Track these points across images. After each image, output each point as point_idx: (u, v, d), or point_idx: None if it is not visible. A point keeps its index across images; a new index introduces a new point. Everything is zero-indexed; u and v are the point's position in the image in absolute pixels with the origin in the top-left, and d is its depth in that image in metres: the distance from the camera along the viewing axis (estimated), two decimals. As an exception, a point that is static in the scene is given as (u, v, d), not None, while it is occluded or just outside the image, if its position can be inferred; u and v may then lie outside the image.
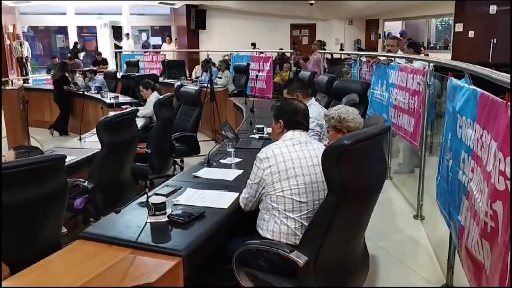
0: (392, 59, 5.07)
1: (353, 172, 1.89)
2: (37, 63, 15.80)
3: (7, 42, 13.30)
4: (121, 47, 14.43)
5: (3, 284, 1.67)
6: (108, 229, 2.07)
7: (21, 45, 13.66)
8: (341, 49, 13.52)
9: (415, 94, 4.13)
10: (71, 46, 15.29)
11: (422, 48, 6.51)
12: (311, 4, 13.46)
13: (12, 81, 9.27)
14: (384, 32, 13.90)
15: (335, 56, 10.70)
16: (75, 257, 1.87)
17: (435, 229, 3.53)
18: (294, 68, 8.72)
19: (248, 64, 8.61)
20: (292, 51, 10.06)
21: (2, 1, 12.77)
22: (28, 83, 11.61)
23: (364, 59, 6.19)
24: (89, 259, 1.83)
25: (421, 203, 4.03)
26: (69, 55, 12.72)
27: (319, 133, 3.59)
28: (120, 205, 3.54)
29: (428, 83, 3.88)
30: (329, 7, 13.68)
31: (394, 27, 13.43)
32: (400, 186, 4.82)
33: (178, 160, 5.53)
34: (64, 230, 2.58)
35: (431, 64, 3.91)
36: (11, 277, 1.73)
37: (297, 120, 2.37)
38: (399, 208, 4.32)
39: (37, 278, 1.68)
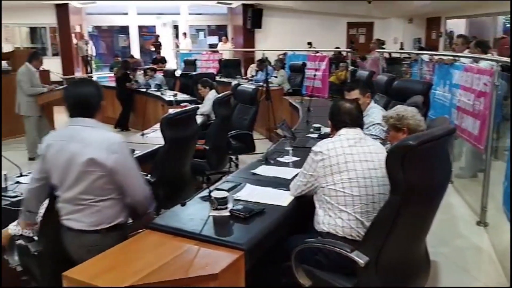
0: (456, 58, 4.89)
1: (418, 174, 1.85)
2: (100, 61, 16.59)
3: (74, 41, 14.07)
4: (178, 46, 14.86)
5: (78, 269, 1.78)
6: (173, 221, 2.17)
7: (86, 44, 14.40)
8: (401, 48, 13.13)
9: (481, 95, 3.96)
10: (132, 45, 15.96)
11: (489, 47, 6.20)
12: (369, 2, 13.18)
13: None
14: (446, 30, 13.35)
15: (393, 55, 10.42)
16: (143, 245, 1.97)
17: (500, 236, 3.37)
18: (351, 68, 8.58)
19: (304, 63, 8.59)
20: (349, 50, 9.91)
21: (70, 2, 13.52)
22: (92, 80, 12.21)
23: (425, 58, 5.99)
24: (156, 248, 1.93)
25: (485, 209, 3.86)
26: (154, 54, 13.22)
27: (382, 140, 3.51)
28: (180, 199, 3.68)
29: (496, 84, 3.71)
30: (388, 5, 13.33)
31: (457, 25, 12.86)
32: (462, 191, 4.64)
33: (233, 158, 5.62)
34: (129, 220, 2.72)
35: (499, 64, 3.74)
36: (84, 263, 1.84)
37: (340, 119, 2.43)
38: (461, 214, 4.16)
39: (110, 263, 1.80)
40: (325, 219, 2.27)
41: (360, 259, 1.95)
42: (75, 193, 2.10)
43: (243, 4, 14.43)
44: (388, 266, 1.99)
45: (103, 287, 1.61)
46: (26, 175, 3.13)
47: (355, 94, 3.44)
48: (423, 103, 4.06)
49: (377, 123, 3.27)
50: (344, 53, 11.64)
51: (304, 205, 2.46)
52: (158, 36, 15.71)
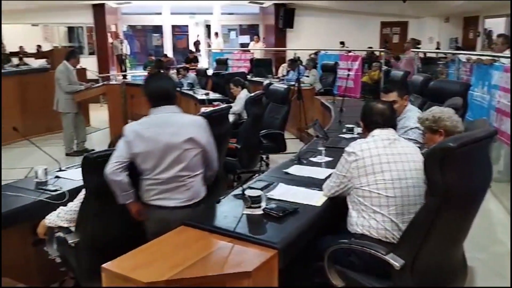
0: (496, 59, 4.74)
1: (457, 177, 1.81)
2: (134, 60, 16.93)
3: (109, 40, 14.42)
4: (210, 45, 15.01)
5: (116, 262, 1.83)
6: (208, 218, 2.20)
7: (121, 43, 14.72)
8: (437, 48, 12.81)
9: (522, 97, 3.83)
10: (165, 44, 16.22)
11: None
12: (404, 1, 12.93)
13: (116, 77, 10.10)
14: (485, 29, 12.95)
15: (428, 55, 10.20)
16: (179, 241, 2.01)
17: (540, 243, 3.25)
18: (384, 67, 8.45)
19: (336, 63, 8.52)
20: (383, 49, 9.76)
21: (107, 2, 13.86)
22: (126, 78, 12.49)
23: (463, 58, 5.84)
24: (191, 244, 1.96)
25: (524, 214, 3.73)
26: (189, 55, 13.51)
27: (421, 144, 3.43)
28: (212, 196, 3.73)
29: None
30: (424, 4, 13.04)
31: (496, 24, 12.45)
32: (500, 196, 4.49)
33: (264, 157, 5.63)
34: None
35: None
36: (122, 256, 1.88)
37: (372, 120, 2.40)
38: (499, 219, 4.03)
39: (148, 257, 1.84)
40: (359, 221, 2.25)
41: (396, 261, 1.92)
42: (174, 172, 2.35)
43: (275, 4, 14.42)
44: (424, 270, 1.95)
45: (140, 280, 1.65)
46: (64, 170, 3.24)
47: (392, 96, 3.34)
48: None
49: (416, 127, 3.19)
50: (377, 53, 11.48)
51: (337, 206, 2.44)
52: (198, 35, 15.92)
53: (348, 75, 7.80)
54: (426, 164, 1.84)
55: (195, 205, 2.43)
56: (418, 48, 8.81)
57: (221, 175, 4.00)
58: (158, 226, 2.28)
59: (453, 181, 1.79)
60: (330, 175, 2.79)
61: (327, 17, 14.37)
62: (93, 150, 4.05)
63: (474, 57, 5.29)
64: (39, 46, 12.81)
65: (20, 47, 11.69)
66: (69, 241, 2.45)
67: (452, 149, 1.76)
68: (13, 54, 10.34)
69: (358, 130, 3.92)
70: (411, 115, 3.35)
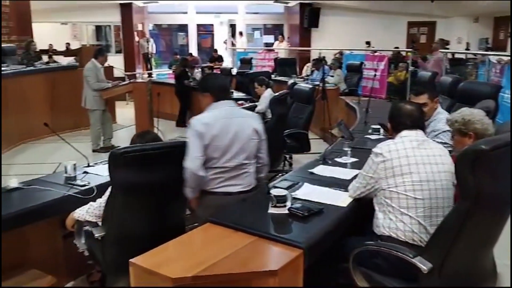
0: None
1: (490, 180, 1.77)
2: (160, 59, 17.11)
3: (136, 39, 14.63)
4: (234, 45, 15.06)
5: (144, 257, 1.85)
6: (233, 216, 2.20)
7: (147, 42, 14.92)
8: (467, 49, 12.54)
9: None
10: (190, 43, 16.35)
11: None
12: (432, 0, 12.70)
13: (142, 75, 10.24)
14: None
15: (456, 56, 9.99)
16: (205, 238, 2.02)
17: None
18: (411, 68, 8.31)
19: (362, 63, 8.43)
20: (410, 50, 9.60)
21: (134, 1, 14.07)
22: (151, 77, 12.66)
23: (493, 59, 5.70)
24: (217, 241, 1.97)
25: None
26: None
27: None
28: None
29: None
30: (452, 4, 12.78)
31: (528, 25, 12.10)
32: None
33: (287, 156, 5.62)
34: (188, 213, 2.79)
35: None
36: (149, 252, 1.91)
37: (401, 121, 2.37)
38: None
39: (174, 253, 1.86)
40: (385, 223, 2.22)
41: (423, 265, 1.89)
42: (239, 160, 2.58)
43: (300, 3, 14.38)
44: (453, 274, 1.92)
45: (167, 275, 1.67)
46: (92, 166, 3.30)
47: (423, 98, 3.26)
48: (491, 106, 3.87)
49: (447, 130, 3.12)
50: (403, 53, 11.31)
51: (363, 207, 2.42)
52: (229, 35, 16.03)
53: (375, 75, 7.71)
54: (457, 166, 1.81)
55: (252, 190, 2.66)
56: (447, 48, 8.64)
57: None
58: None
59: (484, 184, 1.75)
60: (356, 176, 2.77)
61: (353, 17, 14.24)
62: (119, 147, 4.12)
63: (505, 58, 5.15)
64: (68, 44, 13.08)
65: (50, 45, 11.95)
66: (95, 235, 2.50)
67: (485, 151, 1.72)
68: (43, 51, 10.59)
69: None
70: (442, 117, 3.27)
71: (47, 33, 12.59)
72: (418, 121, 2.39)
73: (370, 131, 4.10)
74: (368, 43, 12.94)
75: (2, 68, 6.94)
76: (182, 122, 8.70)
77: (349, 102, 6.38)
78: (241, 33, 15.72)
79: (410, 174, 2.18)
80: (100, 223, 2.55)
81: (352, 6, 14.00)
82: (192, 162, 2.49)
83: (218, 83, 2.72)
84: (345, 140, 3.52)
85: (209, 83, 2.72)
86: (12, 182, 2.83)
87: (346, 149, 3.27)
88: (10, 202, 2.67)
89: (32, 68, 7.44)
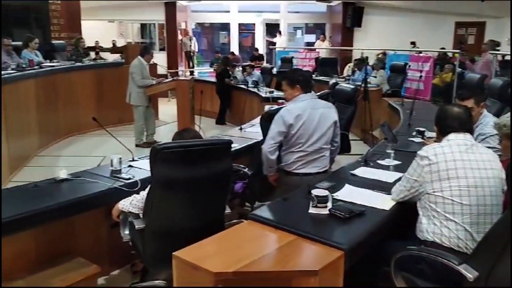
0: None
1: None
2: (201, 57, 17.35)
3: (179, 37, 14.90)
4: (274, 43, 15.03)
5: (186, 251, 1.89)
6: (274, 214, 2.21)
7: (190, 40, 15.15)
8: (519, 50, 11.96)
9: None
10: (231, 42, 16.49)
11: None
12: (482, 0, 12.22)
13: (184, 73, 10.42)
14: None
15: (506, 58, 9.55)
16: (245, 235, 2.04)
17: None
18: (458, 70, 8.03)
19: (406, 64, 8.22)
20: (457, 51, 9.28)
21: (178, 0, 14.34)
22: (193, 75, 12.85)
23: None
24: (257, 239, 1.99)
25: None
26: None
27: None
28: (274, 193, 3.75)
29: None
30: (504, 4, 12.23)
31: None
32: None
33: (327, 157, 5.56)
34: (228, 210, 2.82)
35: None
36: (191, 246, 1.94)
37: (448, 124, 2.31)
38: None
39: (216, 249, 1.89)
40: (430, 228, 2.17)
41: (469, 273, 1.83)
42: (320, 144, 3.02)
43: (344, 2, 14.20)
44: (500, 284, 1.84)
45: (209, 270, 1.69)
46: (137, 160, 3.39)
47: (469, 103, 3.13)
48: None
49: (495, 134, 3.00)
50: (450, 54, 10.95)
51: (405, 210, 2.37)
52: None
53: (420, 76, 7.50)
54: (508, 173, 1.74)
55: (326, 172, 3.11)
56: (497, 50, 8.29)
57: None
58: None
59: (538, 192, 1.68)
60: (399, 179, 2.72)
61: (397, 16, 13.91)
62: (161, 142, 4.21)
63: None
64: (114, 42, 13.50)
65: (96, 42, 12.37)
66: (136, 226, 2.58)
67: (539, 158, 1.64)
68: (90, 48, 10.98)
69: (430, 134, 3.77)
70: (488, 120, 3.16)
71: (94, 30, 13.02)
72: (467, 124, 2.31)
73: (414, 133, 4.00)
74: (413, 43, 12.60)
75: (53, 63, 7.25)
76: (222, 120, 8.80)
77: (392, 103, 6.24)
78: (279, 32, 15.68)
79: (457, 179, 2.12)
80: (141, 215, 2.63)
81: (397, 5, 13.68)
82: (268, 146, 3.01)
83: (306, 77, 3.16)
84: (388, 142, 3.45)
85: (299, 77, 3.10)
86: (61, 173, 2.95)
87: (389, 151, 3.22)
88: (60, 192, 2.79)
89: (80, 64, 7.72)
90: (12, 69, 6.03)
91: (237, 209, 3.87)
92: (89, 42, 11.57)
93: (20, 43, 7.24)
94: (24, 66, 6.39)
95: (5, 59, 6.48)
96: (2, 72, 5.62)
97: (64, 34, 10.64)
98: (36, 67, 6.60)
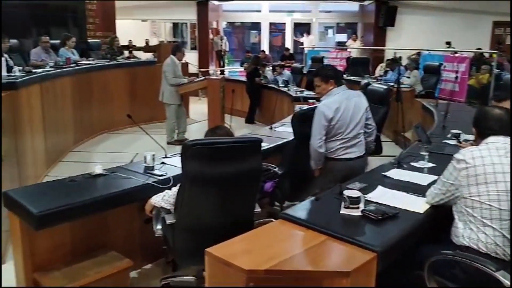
0: None
1: None
2: (231, 56, 17.45)
3: (210, 36, 15.04)
4: (301, 43, 14.96)
5: (219, 248, 1.91)
6: (305, 214, 2.21)
7: (221, 39, 15.27)
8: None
9: None
10: (262, 41, 16.52)
11: None
12: (523, -2, 11.78)
13: (215, 72, 10.51)
14: None
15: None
16: (277, 234, 2.05)
17: None
18: (496, 71, 7.79)
19: (440, 64, 8.04)
20: (495, 51, 9.00)
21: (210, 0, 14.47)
22: (223, 74, 12.94)
23: None
24: (289, 238, 1.99)
25: None
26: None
27: None
28: (303, 193, 3.74)
29: None
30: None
31: None
32: None
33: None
34: (257, 209, 2.83)
35: None
36: (223, 243, 1.96)
37: (487, 126, 2.24)
38: None
39: (247, 246, 1.90)
40: (466, 233, 2.11)
41: (507, 279, 1.78)
42: (356, 131, 3.32)
43: (377, 1, 13.99)
44: (540, 293, 1.78)
45: (241, 267, 1.71)
46: (169, 157, 3.45)
47: (506, 104, 3.05)
48: None
49: None
50: (487, 55, 10.63)
51: (440, 214, 2.32)
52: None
53: (456, 77, 7.32)
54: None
55: (364, 156, 3.44)
56: (537, 50, 8.00)
57: (313, 174, 4.01)
58: (347, 172, 3.19)
59: None
60: (433, 182, 2.67)
61: (432, 16, 13.61)
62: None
63: None
64: (147, 41, 13.75)
65: (130, 41, 12.63)
66: (167, 221, 2.62)
67: None
68: (124, 47, 11.22)
69: (466, 136, 3.67)
70: None
71: (128, 29, 13.31)
72: (507, 127, 2.24)
73: (449, 135, 3.91)
74: (448, 43, 12.30)
75: (89, 62, 7.44)
76: (251, 119, 8.83)
77: (426, 104, 6.11)
78: (308, 32, 15.58)
79: (496, 184, 2.06)
80: (172, 211, 2.67)
81: (432, 4, 13.38)
82: (316, 140, 3.26)
83: (337, 71, 3.55)
84: (422, 144, 3.38)
85: (332, 72, 3.38)
86: (97, 168, 3.03)
87: (423, 153, 3.15)
88: (95, 187, 2.86)
89: (114, 62, 7.90)
90: (50, 67, 6.22)
91: (266, 209, 3.87)
92: (123, 41, 11.84)
93: (57, 41, 7.47)
94: (61, 64, 6.59)
95: (43, 57, 6.70)
96: (41, 69, 5.82)
97: (99, 33, 10.93)
98: (72, 65, 6.79)
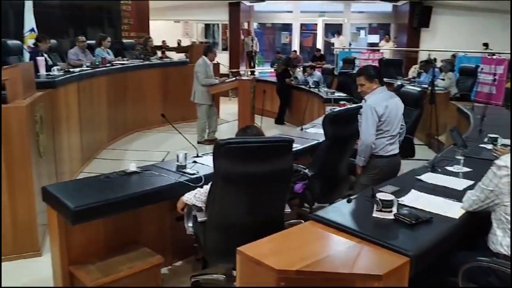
0: None
1: None
2: (262, 57, 17.48)
3: (241, 37, 15.10)
4: (332, 44, 14.82)
5: (250, 247, 1.92)
6: (337, 216, 2.19)
7: (252, 40, 15.32)
8: None
9: None
10: (293, 42, 16.47)
11: None
12: None
13: (246, 73, 10.55)
14: None
15: None
16: (308, 235, 2.04)
17: None
18: (536, 74, 7.51)
19: (477, 66, 7.81)
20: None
21: (242, 0, 14.52)
22: (254, 74, 12.97)
23: None
24: (320, 239, 1.98)
25: None
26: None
27: None
28: (334, 195, 3.72)
29: None
30: None
31: None
32: None
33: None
34: (287, 209, 2.83)
35: None
36: (256, 241, 1.96)
37: None
38: None
39: (278, 246, 1.91)
40: (504, 241, 2.05)
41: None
42: (397, 130, 3.49)
43: (411, 2, 13.72)
44: None
45: (272, 267, 1.71)
46: (201, 156, 3.49)
47: None
48: None
49: None
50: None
51: (475, 220, 2.26)
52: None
53: (494, 80, 7.10)
54: None
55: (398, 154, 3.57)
56: None
57: (344, 176, 3.99)
58: (391, 169, 3.44)
59: None
60: (468, 186, 2.60)
61: (469, 16, 13.22)
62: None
63: None
64: (179, 41, 13.93)
65: (163, 41, 12.82)
66: (198, 219, 2.66)
67: None
68: (157, 47, 11.42)
69: (503, 141, 3.57)
70: None
71: (161, 30, 13.52)
72: None
73: (485, 140, 3.80)
74: (485, 45, 11.93)
75: (124, 61, 7.60)
76: (281, 120, 8.82)
77: (462, 107, 5.95)
78: (338, 32, 15.41)
79: None
80: (204, 209, 2.70)
81: (468, 5, 12.99)
82: (369, 136, 3.37)
83: (380, 71, 3.65)
84: (457, 148, 3.30)
85: (376, 72, 3.50)
86: (131, 166, 3.10)
87: (458, 157, 3.07)
88: (129, 184, 2.93)
89: (148, 62, 8.04)
90: (87, 66, 6.40)
91: (295, 210, 3.87)
92: (155, 41, 12.07)
93: (93, 41, 7.67)
94: (97, 63, 6.76)
95: (80, 57, 6.89)
96: (78, 69, 6.00)
97: (133, 34, 11.16)
98: (108, 64, 6.96)
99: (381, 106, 3.35)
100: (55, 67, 5.32)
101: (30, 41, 5.37)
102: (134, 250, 2.88)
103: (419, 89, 5.57)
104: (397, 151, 3.53)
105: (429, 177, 2.85)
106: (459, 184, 2.72)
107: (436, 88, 6.89)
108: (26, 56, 5.60)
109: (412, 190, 2.56)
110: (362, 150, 3.45)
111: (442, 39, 12.90)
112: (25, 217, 3.38)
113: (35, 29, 5.95)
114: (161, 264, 2.88)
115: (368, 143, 3.39)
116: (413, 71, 10.04)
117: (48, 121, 4.20)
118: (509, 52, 9.49)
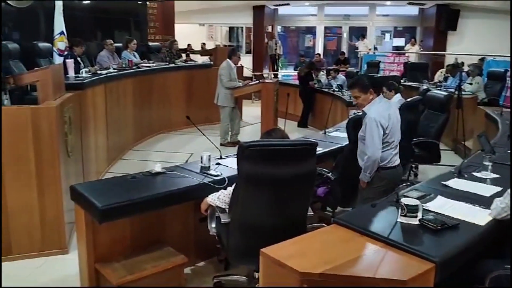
0: None
1: None
2: (285, 60, 17.49)
3: (265, 40, 15.15)
4: (356, 48, 14.72)
5: (274, 248, 1.93)
6: (361, 220, 2.18)
7: (275, 43, 15.35)
8: None
9: None
10: (317, 45, 16.43)
11: None
12: None
13: (270, 76, 10.57)
14: None
15: None
16: (332, 238, 2.04)
17: None
18: None
19: (506, 71, 7.65)
20: None
21: (266, 4, 14.58)
22: (277, 78, 12.98)
23: None
24: (344, 243, 1.97)
25: None
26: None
27: None
28: (356, 199, 3.69)
29: None
30: None
31: None
32: None
33: (413, 166, 5.35)
34: (310, 212, 2.83)
35: None
36: (279, 243, 1.97)
37: None
38: None
39: (302, 249, 1.91)
40: (533, 250, 2.00)
41: None
42: (398, 140, 3.34)
43: (438, 5, 13.50)
44: None
45: (295, 269, 1.72)
46: (224, 158, 3.52)
47: None
48: None
49: None
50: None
51: (502, 227, 2.21)
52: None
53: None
54: None
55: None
56: None
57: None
58: (398, 178, 3.39)
59: None
60: (496, 193, 2.55)
61: (497, 19, 12.91)
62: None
63: None
64: (203, 44, 14.07)
65: (188, 44, 12.98)
66: (222, 220, 2.69)
67: None
68: (182, 50, 11.57)
69: (533, 147, 3.48)
70: None
71: (186, 33, 13.69)
72: None
73: (514, 146, 3.71)
74: (514, 48, 11.65)
75: (149, 64, 7.71)
76: (304, 123, 8.80)
77: (490, 112, 5.82)
78: (363, 36, 15.28)
79: None
80: (227, 210, 2.72)
81: (497, 8, 12.69)
82: (376, 151, 3.19)
83: (375, 79, 3.40)
84: (485, 153, 3.24)
85: (369, 82, 3.34)
86: (157, 167, 3.15)
87: (486, 163, 3.02)
88: (154, 185, 2.98)
89: (173, 65, 8.15)
90: (114, 69, 6.53)
91: (318, 213, 3.86)
92: (180, 44, 12.24)
93: (120, 44, 7.82)
94: (124, 66, 6.89)
95: (109, 60, 7.04)
96: (105, 71, 6.12)
97: (158, 37, 11.31)
98: (134, 67, 7.08)
99: (384, 118, 3.20)
100: (83, 69, 5.45)
101: (59, 44, 5.50)
102: (158, 250, 2.93)
103: (445, 93, 5.50)
104: (399, 161, 3.38)
105: (455, 183, 2.80)
106: (487, 190, 2.67)
107: (463, 93, 6.76)
108: (56, 58, 5.75)
109: (439, 196, 2.53)
110: (369, 165, 3.23)
111: (470, 42, 12.65)
112: (53, 215, 3.46)
113: (65, 32, 6.11)
114: (185, 264, 2.91)
115: (375, 158, 3.20)
116: (439, 75, 9.88)
117: (76, 121, 4.31)
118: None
